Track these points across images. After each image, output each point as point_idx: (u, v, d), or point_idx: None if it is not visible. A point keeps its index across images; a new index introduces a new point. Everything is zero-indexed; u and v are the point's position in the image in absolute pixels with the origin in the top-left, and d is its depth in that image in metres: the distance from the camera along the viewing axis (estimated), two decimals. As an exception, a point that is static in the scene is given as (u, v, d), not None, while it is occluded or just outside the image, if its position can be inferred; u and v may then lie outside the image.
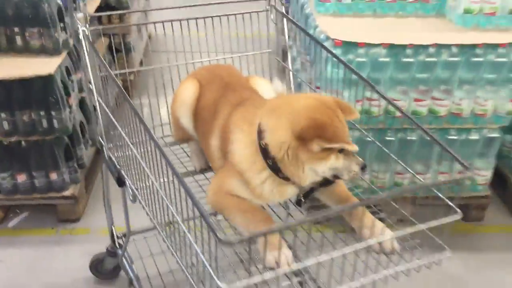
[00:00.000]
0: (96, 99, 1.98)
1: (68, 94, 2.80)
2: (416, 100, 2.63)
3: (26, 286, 2.57)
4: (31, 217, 3.02)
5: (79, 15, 1.92)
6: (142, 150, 1.66)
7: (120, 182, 1.95)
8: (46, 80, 2.62)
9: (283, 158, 1.48)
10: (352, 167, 1.49)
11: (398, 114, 2.64)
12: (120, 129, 1.83)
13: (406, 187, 1.58)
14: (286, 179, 1.53)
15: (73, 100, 2.90)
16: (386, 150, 1.80)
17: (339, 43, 2.47)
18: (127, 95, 1.68)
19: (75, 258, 2.74)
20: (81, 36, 1.93)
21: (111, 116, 1.90)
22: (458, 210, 1.52)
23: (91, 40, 1.94)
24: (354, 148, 1.48)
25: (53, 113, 2.67)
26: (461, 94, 2.62)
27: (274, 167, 1.51)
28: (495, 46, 2.51)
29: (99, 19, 3.88)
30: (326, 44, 2.48)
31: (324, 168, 1.48)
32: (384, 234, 1.47)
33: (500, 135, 2.77)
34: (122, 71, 2.24)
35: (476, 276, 2.70)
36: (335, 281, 1.37)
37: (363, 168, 1.50)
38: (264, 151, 1.50)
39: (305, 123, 1.43)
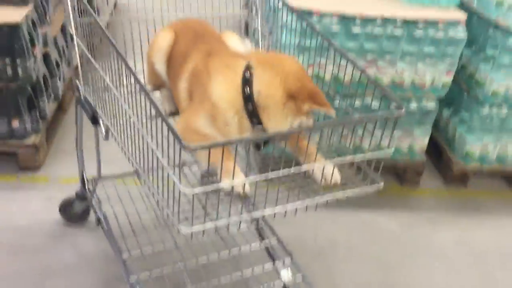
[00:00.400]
0: (75, 42, 2.09)
1: (33, 44, 2.89)
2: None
3: (-15, 225, 2.68)
4: (-10, 164, 3.11)
5: None
6: (122, 91, 1.83)
7: (94, 120, 2.10)
8: (12, 29, 2.70)
9: (266, 107, 1.69)
10: (309, 122, 1.73)
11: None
12: (100, 70, 1.96)
13: (342, 119, 1.83)
14: (256, 123, 1.73)
15: (38, 52, 2.99)
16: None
17: (295, 9, 2.65)
18: (111, 37, 1.82)
19: (34, 203, 2.86)
20: None
21: (91, 58, 2.03)
22: (391, 148, 1.73)
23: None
24: (333, 112, 1.70)
25: (18, 61, 2.76)
26: (403, 65, 2.87)
27: (253, 112, 1.72)
28: (435, 23, 2.77)
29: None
30: (282, 11, 2.68)
31: (298, 122, 1.70)
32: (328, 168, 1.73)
33: (436, 106, 3.04)
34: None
35: (408, 232, 2.99)
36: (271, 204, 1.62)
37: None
38: (247, 97, 1.71)
39: (299, 86, 1.68)
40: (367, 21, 2.74)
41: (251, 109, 1.72)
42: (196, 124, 1.81)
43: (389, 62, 2.86)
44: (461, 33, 2.82)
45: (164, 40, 2.21)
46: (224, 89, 1.78)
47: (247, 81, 1.73)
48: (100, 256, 2.56)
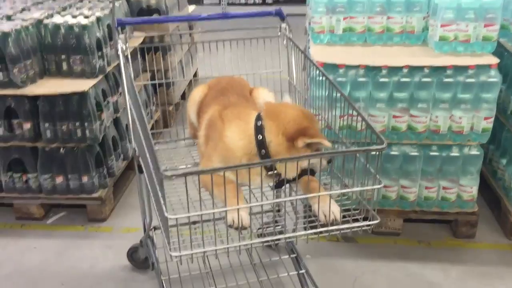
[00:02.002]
0: (127, 102, 2.40)
1: (100, 110, 3.34)
2: (395, 116, 2.91)
3: (53, 266, 3.03)
4: (66, 216, 3.52)
5: (121, 36, 2.46)
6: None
7: (140, 170, 2.36)
8: (81, 97, 3.18)
9: (277, 153, 1.90)
10: (322, 161, 1.89)
11: (379, 129, 2.94)
12: (138, 126, 2.24)
13: (331, 151, 1.93)
14: (269, 169, 1.91)
15: (106, 117, 3.44)
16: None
17: (321, 64, 2.83)
18: (139, 102, 2.11)
19: (97, 250, 3.18)
20: (119, 52, 2.43)
21: (135, 116, 2.31)
22: (381, 181, 1.79)
23: (129, 57, 2.45)
24: (327, 144, 1.86)
25: (85, 124, 3.21)
26: (437, 112, 2.88)
27: (265, 156, 1.91)
28: (464, 68, 2.78)
29: (143, 56, 4.47)
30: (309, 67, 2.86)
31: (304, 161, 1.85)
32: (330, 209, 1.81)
33: (480, 152, 2.96)
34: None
35: (455, 285, 2.83)
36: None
37: (329, 161, 1.91)
38: (260, 143, 1.92)
39: (296, 128, 1.89)
40: (393, 70, 2.82)
41: (264, 154, 1.91)
42: (212, 166, 2.02)
43: (422, 110, 2.88)
44: (494, 77, 2.78)
45: (197, 94, 2.53)
46: (237, 137, 2.00)
47: (259, 130, 1.94)
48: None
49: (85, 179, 3.34)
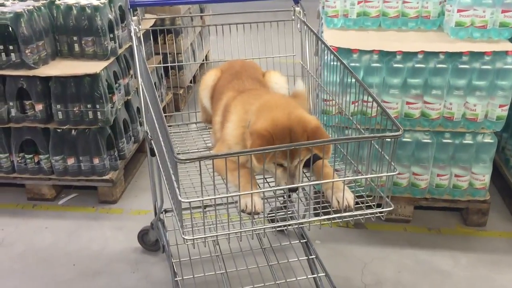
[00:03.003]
0: (139, 85, 2.37)
1: (112, 92, 3.34)
2: (408, 103, 2.88)
3: (64, 246, 3.06)
4: (77, 198, 3.54)
5: (134, 18, 2.44)
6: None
7: (152, 152, 2.35)
8: (93, 79, 3.17)
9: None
10: (281, 183, 1.80)
11: (392, 115, 2.90)
12: (151, 109, 2.21)
13: (345, 137, 1.90)
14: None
15: (118, 99, 3.44)
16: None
17: (335, 49, 2.80)
18: (152, 85, 2.09)
19: (107, 231, 3.21)
20: (132, 34, 2.41)
21: (147, 99, 2.29)
22: (396, 168, 1.76)
23: (141, 39, 2.42)
24: (255, 163, 1.72)
25: (97, 106, 3.20)
26: (451, 99, 2.84)
27: None
28: (480, 54, 2.73)
29: (155, 39, 4.45)
30: (323, 51, 2.83)
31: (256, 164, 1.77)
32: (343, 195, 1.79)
33: (494, 140, 2.93)
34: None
35: (465, 272, 2.83)
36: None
37: (291, 189, 1.78)
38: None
39: (255, 132, 1.79)
40: (408, 55, 2.79)
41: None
42: (223, 152, 2.01)
43: (436, 97, 2.84)
44: (510, 64, 2.74)
45: (209, 78, 2.51)
46: (233, 127, 2.00)
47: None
48: (162, 280, 2.77)
49: (96, 161, 3.35)
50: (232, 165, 1.83)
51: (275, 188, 1.72)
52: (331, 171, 1.81)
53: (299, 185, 1.74)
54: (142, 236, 2.97)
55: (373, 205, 1.80)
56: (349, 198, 1.76)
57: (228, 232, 1.66)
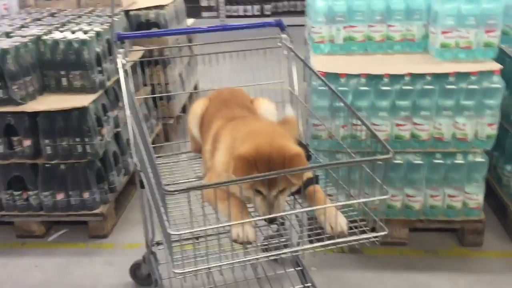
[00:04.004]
0: (128, 115, 2.36)
1: (101, 125, 3.31)
2: (398, 125, 2.88)
3: (55, 285, 2.98)
4: (67, 233, 3.48)
5: (121, 50, 2.43)
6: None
7: (142, 185, 2.32)
8: (81, 112, 3.15)
9: None
10: (259, 211, 1.77)
11: (382, 138, 2.90)
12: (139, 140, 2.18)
13: (334, 162, 1.88)
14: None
15: (107, 132, 3.41)
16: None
17: (323, 74, 2.81)
18: (139, 117, 2.07)
19: (98, 266, 3.14)
20: (119, 66, 2.40)
21: (135, 131, 2.27)
22: (388, 191, 1.73)
23: (128, 71, 2.42)
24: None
25: (86, 139, 3.18)
26: (440, 120, 2.85)
27: None
28: (467, 75, 2.76)
29: (143, 71, 4.46)
30: (310, 76, 2.85)
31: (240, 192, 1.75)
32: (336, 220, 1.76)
33: (485, 159, 2.92)
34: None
35: (464, 294, 2.79)
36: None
37: (269, 220, 1.75)
38: None
39: (238, 156, 1.77)
40: (395, 78, 2.80)
41: None
42: (214, 181, 1.99)
43: (425, 118, 2.85)
44: (497, 83, 2.76)
45: (198, 107, 2.51)
46: (221, 155, 1.98)
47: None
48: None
49: (86, 195, 3.30)
50: (222, 194, 1.81)
51: (265, 217, 1.69)
52: (323, 196, 1.79)
53: (275, 215, 1.71)
54: (134, 270, 2.91)
55: (367, 230, 1.77)
56: (343, 223, 1.74)
57: (220, 264, 1.62)
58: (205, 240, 1.57)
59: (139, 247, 3.24)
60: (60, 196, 3.30)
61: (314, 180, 1.88)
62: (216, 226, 1.57)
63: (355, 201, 1.76)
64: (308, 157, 2.36)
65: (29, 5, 4.55)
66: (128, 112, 2.37)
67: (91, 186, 3.29)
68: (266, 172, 1.63)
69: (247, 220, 1.66)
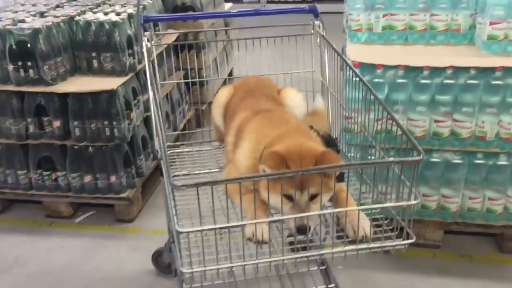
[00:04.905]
0: (151, 101, 2.29)
1: (130, 109, 3.27)
2: (437, 121, 2.71)
3: (78, 267, 2.99)
4: (94, 216, 3.48)
5: (147, 33, 2.36)
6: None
7: (162, 173, 2.26)
8: (110, 95, 3.11)
9: None
10: (290, 223, 1.58)
11: (419, 134, 2.74)
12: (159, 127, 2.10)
13: (360, 162, 1.75)
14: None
15: (136, 116, 3.37)
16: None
17: (357, 64, 2.66)
18: (158, 104, 2.01)
19: (122, 251, 3.13)
20: (144, 50, 2.32)
21: (158, 117, 2.20)
22: (418, 196, 1.60)
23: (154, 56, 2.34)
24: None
25: (114, 123, 3.14)
26: (483, 117, 2.66)
27: None
28: (514, 70, 2.55)
29: (177, 54, 4.40)
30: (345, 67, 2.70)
31: (268, 198, 1.61)
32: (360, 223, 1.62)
33: (531, 161, 2.72)
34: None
35: (500, 304, 2.62)
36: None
37: (299, 230, 1.56)
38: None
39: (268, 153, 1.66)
40: (436, 71, 2.62)
41: None
42: (233, 174, 1.90)
43: (466, 115, 2.66)
44: (548, 79, 2.54)
45: (222, 96, 2.41)
46: (244, 157, 1.86)
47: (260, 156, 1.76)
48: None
49: (113, 178, 3.28)
50: (241, 189, 1.72)
51: (284, 218, 1.55)
52: (347, 196, 1.66)
53: (311, 213, 1.55)
54: (156, 258, 2.87)
55: (393, 235, 1.64)
56: (366, 227, 1.61)
57: (231, 265, 1.52)
58: (215, 240, 1.48)
59: (164, 234, 3.19)
60: (87, 178, 3.30)
61: (337, 178, 1.76)
62: (226, 225, 1.47)
63: (381, 205, 1.61)
64: (338, 152, 2.23)
65: (67, -15, 4.54)
66: (151, 97, 2.29)
67: (118, 170, 3.27)
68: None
69: (262, 219, 1.55)
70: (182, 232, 1.39)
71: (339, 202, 1.66)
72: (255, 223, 1.51)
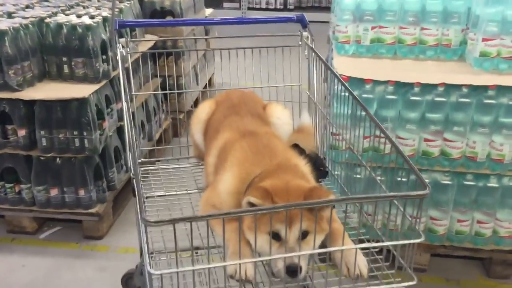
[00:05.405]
0: (124, 113, 2.08)
1: (102, 118, 3.07)
2: (426, 140, 2.59)
3: (40, 290, 2.76)
4: (60, 232, 3.25)
5: (122, 39, 2.17)
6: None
7: (134, 193, 2.07)
8: (81, 103, 2.91)
9: None
10: (278, 263, 1.39)
11: (408, 153, 2.61)
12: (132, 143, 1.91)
13: (365, 196, 1.59)
14: None
15: (109, 126, 3.17)
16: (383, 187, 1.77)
17: (346, 78, 2.53)
18: (131, 116, 1.83)
19: (90, 271, 2.91)
20: (118, 57, 2.13)
21: (131, 132, 2.01)
22: (422, 234, 1.44)
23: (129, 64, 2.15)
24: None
25: (84, 133, 2.94)
26: (475, 137, 2.55)
27: None
28: (508, 88, 2.45)
29: (155, 60, 4.21)
30: (333, 80, 2.56)
31: (253, 240, 1.44)
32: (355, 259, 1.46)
33: (522, 184, 2.62)
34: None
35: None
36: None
37: (289, 271, 1.37)
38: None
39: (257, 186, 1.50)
40: (427, 87, 2.51)
41: None
42: (214, 201, 1.73)
43: (457, 134, 2.55)
44: (543, 100, 2.45)
45: (203, 111, 2.22)
46: (229, 185, 1.67)
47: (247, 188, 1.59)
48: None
49: (81, 192, 3.06)
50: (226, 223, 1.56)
51: (272, 257, 1.36)
52: (341, 228, 1.50)
53: (300, 253, 1.35)
54: (126, 280, 2.66)
55: (391, 274, 1.48)
56: (362, 265, 1.45)
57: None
58: (193, 281, 1.29)
59: (136, 253, 3.01)
60: (54, 192, 3.07)
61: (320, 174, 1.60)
62: (207, 266, 1.28)
63: (381, 244, 1.43)
64: (325, 174, 2.08)
65: (40, -15, 4.31)
66: (125, 109, 2.10)
67: (88, 183, 3.05)
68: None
69: (250, 260, 1.35)
70: (155, 274, 1.21)
71: (332, 234, 1.50)
72: (239, 258, 1.33)
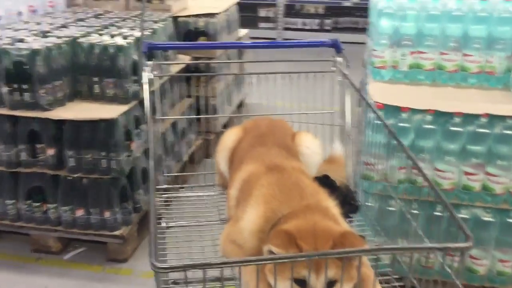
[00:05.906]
0: (148, 137, 2.04)
1: (130, 139, 3.03)
2: (467, 173, 2.43)
3: (60, 314, 2.71)
4: (85, 253, 3.21)
5: (149, 62, 2.13)
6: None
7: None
8: (109, 124, 2.88)
9: None
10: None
11: (446, 187, 2.47)
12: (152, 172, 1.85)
13: (403, 247, 1.45)
14: None
15: (137, 147, 3.13)
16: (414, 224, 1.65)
17: (381, 106, 2.41)
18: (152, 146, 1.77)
19: (111, 296, 2.85)
20: (143, 81, 2.09)
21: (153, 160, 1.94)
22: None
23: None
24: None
25: (112, 154, 2.90)
26: (520, 172, 2.38)
27: None
28: (559, 121, 2.28)
29: (188, 81, 4.18)
30: (366, 109, 2.45)
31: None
32: None
33: None
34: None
35: None
36: None
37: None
38: None
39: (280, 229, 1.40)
40: (469, 118, 2.36)
41: None
42: (235, 238, 1.63)
43: (501, 168, 2.39)
44: None
45: (229, 139, 2.12)
46: (251, 224, 1.56)
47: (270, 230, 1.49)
48: None
49: (107, 214, 3.02)
50: (239, 253, 1.46)
51: None
52: (371, 275, 1.38)
53: None
54: (149, 306, 2.58)
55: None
56: None
57: None
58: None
59: (158, 278, 2.92)
60: (79, 213, 3.04)
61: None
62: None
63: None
64: (355, 209, 1.96)
65: (77, 4, 4.38)
66: (150, 134, 2.04)
67: (113, 205, 3.01)
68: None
69: None
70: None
71: (362, 281, 1.37)
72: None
